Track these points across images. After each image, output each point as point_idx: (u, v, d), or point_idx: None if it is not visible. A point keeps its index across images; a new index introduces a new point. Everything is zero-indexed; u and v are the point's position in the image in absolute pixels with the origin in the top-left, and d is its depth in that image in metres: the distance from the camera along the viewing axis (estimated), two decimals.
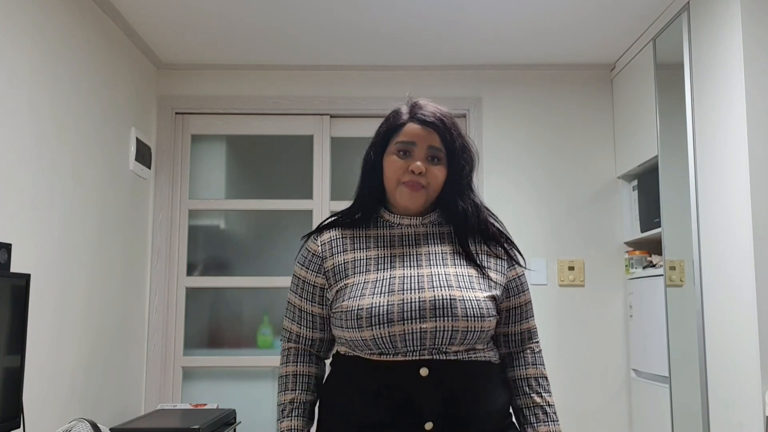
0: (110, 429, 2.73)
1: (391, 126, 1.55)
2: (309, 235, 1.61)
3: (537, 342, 1.59)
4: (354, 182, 1.61)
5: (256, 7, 3.03)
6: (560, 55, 3.58)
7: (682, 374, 2.83)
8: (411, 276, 1.46)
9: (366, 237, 1.56)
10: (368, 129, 1.63)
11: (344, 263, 1.52)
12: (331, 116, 3.75)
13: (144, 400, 3.49)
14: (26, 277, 2.07)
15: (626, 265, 3.54)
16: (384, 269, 1.49)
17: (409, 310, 1.41)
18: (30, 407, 2.33)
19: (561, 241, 3.62)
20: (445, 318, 1.40)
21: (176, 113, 3.72)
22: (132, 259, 3.35)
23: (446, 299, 1.42)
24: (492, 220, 1.59)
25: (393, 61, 3.66)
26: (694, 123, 2.76)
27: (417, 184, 1.50)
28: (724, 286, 2.54)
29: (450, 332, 1.40)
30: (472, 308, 1.42)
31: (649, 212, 3.24)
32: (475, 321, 1.42)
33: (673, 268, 2.92)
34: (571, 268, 3.60)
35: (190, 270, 3.68)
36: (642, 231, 3.35)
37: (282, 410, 1.53)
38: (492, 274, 1.51)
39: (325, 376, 1.59)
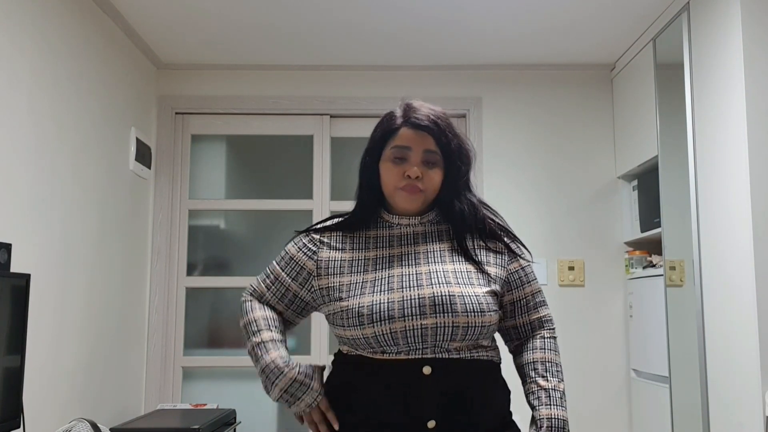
0: (110, 429, 2.73)
1: (385, 130, 1.55)
2: (306, 230, 1.62)
3: (550, 329, 1.58)
4: (354, 182, 1.61)
5: (256, 7, 3.03)
6: (560, 55, 3.58)
7: (682, 374, 2.84)
8: (410, 274, 1.48)
9: (366, 237, 1.57)
10: (368, 129, 1.63)
11: (341, 260, 1.53)
12: (331, 116, 3.75)
13: (144, 400, 3.49)
14: (26, 277, 2.07)
15: (626, 265, 3.54)
16: (383, 268, 1.50)
17: (409, 306, 1.42)
18: (30, 407, 2.33)
19: (561, 241, 3.62)
20: (445, 314, 1.41)
21: (176, 113, 3.72)
22: (132, 259, 3.35)
23: (445, 295, 1.43)
24: (491, 216, 1.60)
25: (393, 61, 3.66)
26: (694, 123, 2.76)
27: (414, 188, 1.51)
28: (724, 286, 2.54)
29: (450, 328, 1.41)
30: (472, 303, 1.43)
31: (649, 212, 3.24)
32: (475, 316, 1.42)
33: (673, 268, 2.92)
34: (571, 268, 3.60)
35: (190, 270, 3.68)
36: (642, 231, 3.35)
37: (260, 347, 1.50)
38: (490, 269, 1.52)
39: (327, 375, 1.59)
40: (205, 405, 3.35)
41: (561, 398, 1.49)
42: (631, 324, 3.49)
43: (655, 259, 3.31)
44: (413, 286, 1.45)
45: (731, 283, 2.49)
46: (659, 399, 3.08)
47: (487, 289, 1.48)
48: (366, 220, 1.59)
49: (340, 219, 1.62)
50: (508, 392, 1.55)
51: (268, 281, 1.60)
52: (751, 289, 2.37)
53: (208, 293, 3.71)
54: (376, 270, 1.50)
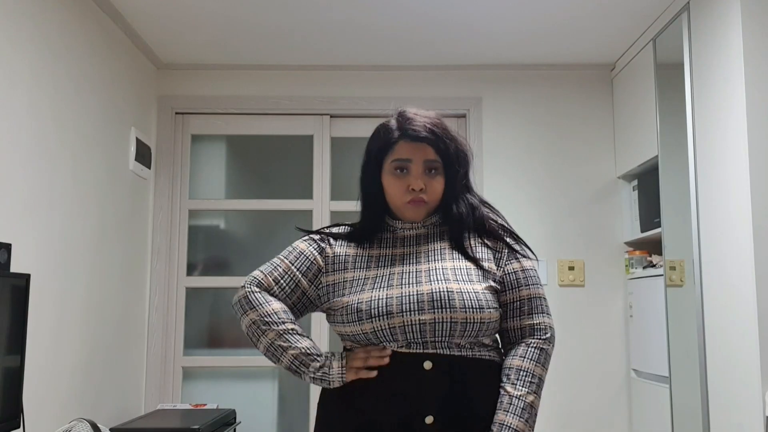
0: (110, 429, 2.73)
1: (383, 145, 1.56)
2: (313, 231, 1.63)
3: (540, 339, 1.50)
4: (353, 183, 1.63)
5: (256, 7, 3.03)
6: (560, 55, 3.58)
7: (682, 374, 2.83)
8: (410, 272, 1.50)
9: (370, 240, 1.59)
10: (368, 129, 1.64)
11: (345, 256, 1.56)
12: (331, 116, 3.75)
13: (144, 400, 3.49)
14: (26, 277, 2.07)
15: (626, 265, 3.54)
16: (384, 266, 1.52)
17: (407, 302, 1.43)
18: (30, 407, 2.33)
19: (561, 242, 3.62)
20: (443, 310, 1.42)
21: (176, 113, 3.72)
22: (132, 259, 3.35)
23: (443, 292, 1.44)
24: (493, 217, 1.60)
25: (393, 61, 3.66)
26: (694, 123, 2.76)
27: (420, 201, 1.53)
28: (724, 286, 2.54)
29: (449, 324, 1.42)
30: (470, 299, 1.44)
31: (649, 212, 3.24)
32: (473, 312, 1.43)
33: (673, 268, 2.92)
34: (571, 268, 3.60)
35: (190, 270, 3.68)
36: (642, 231, 3.35)
37: (288, 335, 1.47)
38: (487, 265, 1.52)
39: None
40: (205, 405, 3.35)
41: (524, 409, 1.41)
42: (631, 324, 3.49)
43: (655, 259, 3.31)
44: (412, 283, 1.46)
45: (731, 283, 2.49)
46: (659, 399, 3.08)
47: (486, 285, 1.48)
48: (373, 233, 1.60)
49: (348, 228, 1.63)
50: None
51: (275, 274, 1.55)
52: (751, 289, 2.37)
53: (208, 293, 3.71)
54: (378, 267, 1.52)
